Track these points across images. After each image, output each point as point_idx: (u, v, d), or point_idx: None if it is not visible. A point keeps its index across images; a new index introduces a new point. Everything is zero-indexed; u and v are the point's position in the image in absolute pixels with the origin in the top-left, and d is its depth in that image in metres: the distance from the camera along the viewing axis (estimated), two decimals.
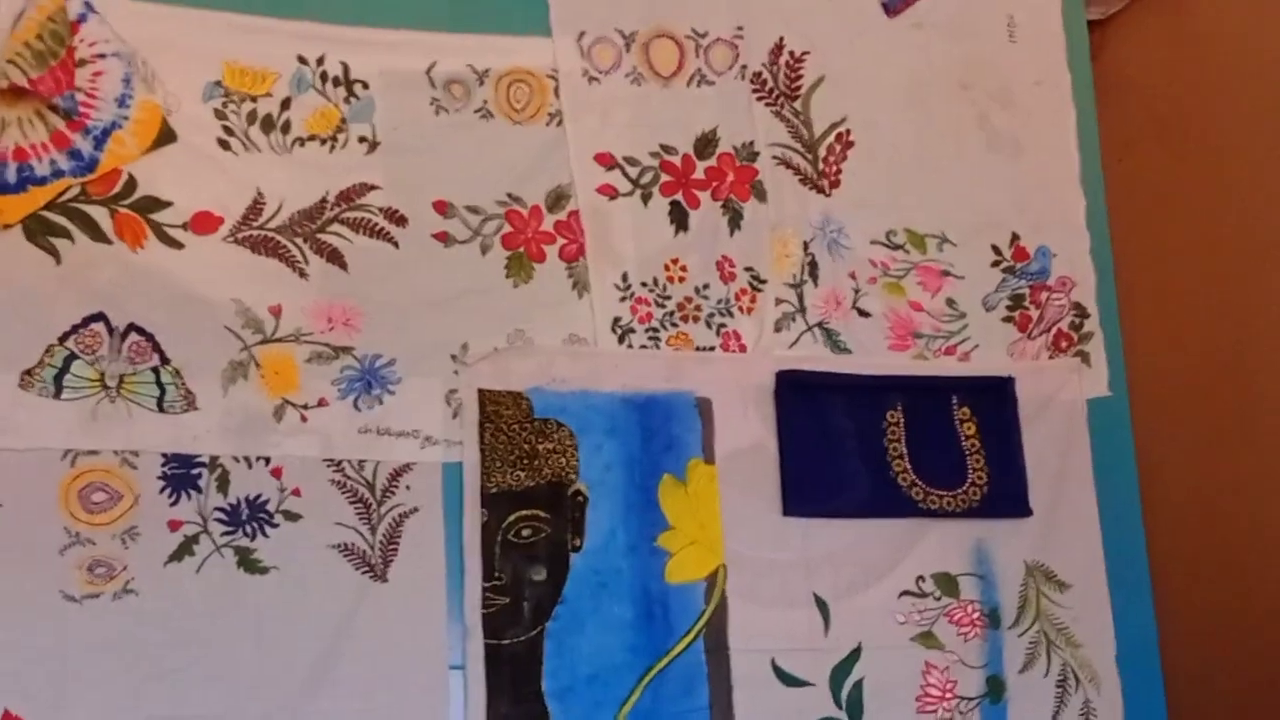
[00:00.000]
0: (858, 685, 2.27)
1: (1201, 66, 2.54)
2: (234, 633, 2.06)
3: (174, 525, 2.07)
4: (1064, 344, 2.51)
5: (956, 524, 2.36)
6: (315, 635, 2.10)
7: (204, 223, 2.14)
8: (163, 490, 2.07)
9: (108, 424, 2.06)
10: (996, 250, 2.48)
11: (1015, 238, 2.49)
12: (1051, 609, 2.38)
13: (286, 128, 2.22)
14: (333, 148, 2.23)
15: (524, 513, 2.21)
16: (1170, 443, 2.55)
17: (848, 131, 2.46)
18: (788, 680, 2.25)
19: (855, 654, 2.28)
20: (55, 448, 2.04)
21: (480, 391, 2.23)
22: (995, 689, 2.33)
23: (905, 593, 2.33)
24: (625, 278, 2.31)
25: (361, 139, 2.25)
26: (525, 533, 2.20)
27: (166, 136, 2.14)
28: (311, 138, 2.23)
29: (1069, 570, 2.40)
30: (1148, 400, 2.53)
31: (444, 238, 2.25)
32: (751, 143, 2.40)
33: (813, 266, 2.39)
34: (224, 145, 2.18)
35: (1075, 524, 2.42)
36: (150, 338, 2.11)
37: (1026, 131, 2.55)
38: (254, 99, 2.20)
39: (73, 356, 2.07)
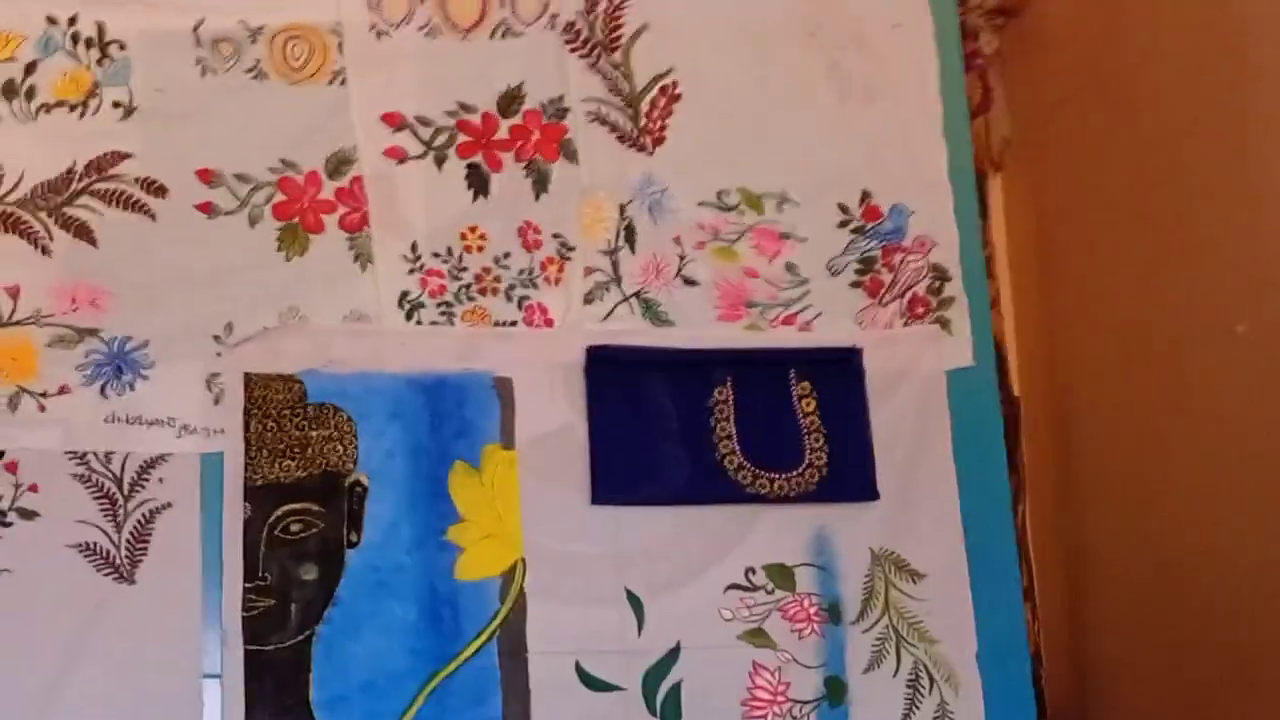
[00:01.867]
0: (675, 689, 2.14)
1: (1128, 18, 2.47)
2: None
3: None
4: (920, 310, 2.33)
5: (793, 510, 2.21)
6: (51, 644, 2.00)
7: None
8: None
9: None
10: (844, 209, 2.30)
11: (866, 195, 2.31)
12: (903, 601, 2.21)
13: (31, 93, 2.09)
14: (83, 114, 2.10)
15: (293, 506, 2.09)
16: (1097, 425, 2.53)
17: (674, 84, 2.28)
18: (594, 685, 2.13)
19: (673, 655, 2.15)
20: None
21: (246, 375, 2.12)
22: (835, 691, 2.17)
23: (732, 586, 2.18)
24: (415, 248, 2.17)
25: (116, 104, 2.11)
26: (294, 528, 2.09)
27: None
28: (59, 104, 2.10)
29: (923, 559, 2.24)
30: (1076, 371, 2.53)
31: (208, 209, 2.12)
32: (561, 98, 2.24)
33: (630, 232, 2.23)
34: None
35: (931, 508, 2.25)
36: None
37: (882, 79, 2.37)
38: None
39: None
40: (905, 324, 2.32)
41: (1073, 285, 2.58)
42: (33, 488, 2.02)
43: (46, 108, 2.09)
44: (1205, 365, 2.22)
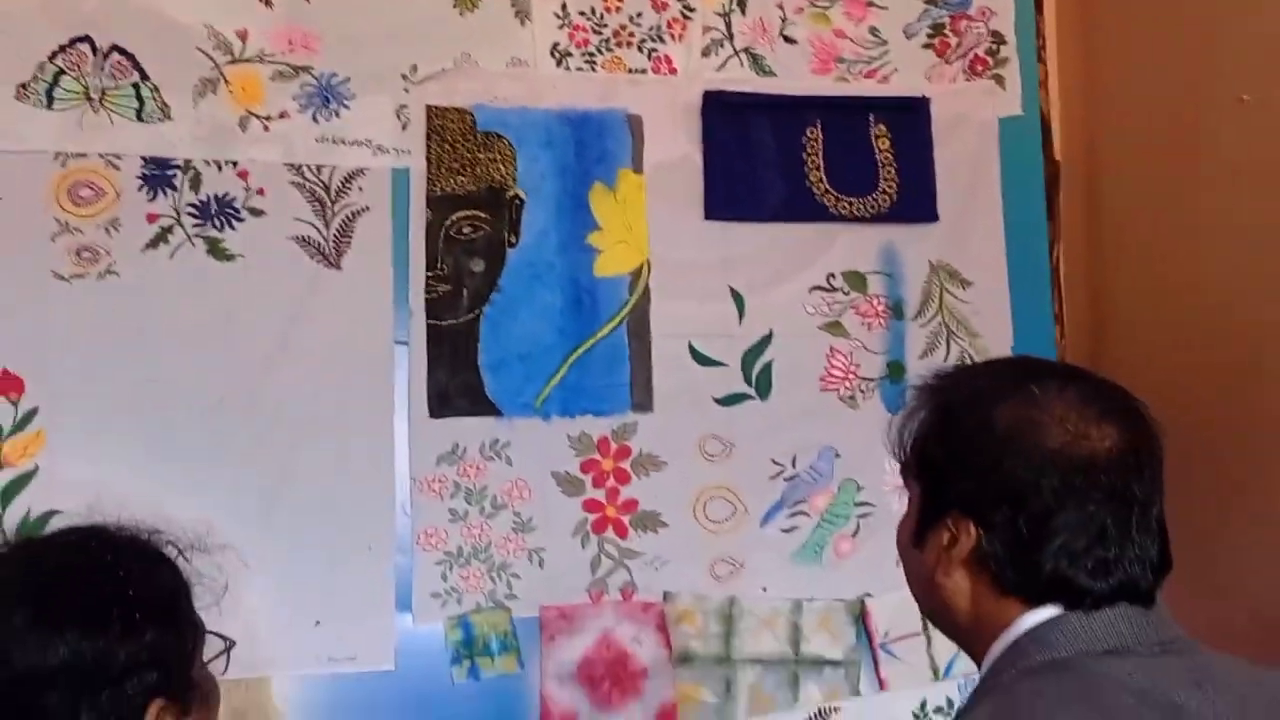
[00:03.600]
0: (767, 366, 2.49)
1: None
2: (203, 310, 2.29)
3: (151, 218, 2.28)
4: (980, 68, 2.64)
5: (867, 228, 2.55)
6: (276, 314, 2.31)
7: None
8: (141, 188, 2.28)
9: (93, 131, 2.27)
10: None
11: None
12: (953, 303, 2.57)
13: None
14: None
15: (465, 213, 2.40)
16: (1123, 184, 2.68)
17: None
18: (703, 361, 2.47)
19: (766, 340, 2.49)
20: (47, 150, 2.25)
21: (428, 107, 2.39)
22: (895, 371, 2.54)
23: (815, 288, 2.52)
24: (564, 7, 2.47)
25: None
26: (466, 230, 2.40)
27: None
28: None
29: (972, 270, 2.59)
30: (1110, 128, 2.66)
31: None
32: None
33: None
34: None
35: (981, 230, 2.60)
36: (131, 57, 2.29)
37: None
38: None
39: (61, 73, 2.26)
40: (967, 79, 2.64)
41: (1110, 64, 2.71)
42: (260, 191, 2.32)
43: None
44: (1215, 131, 2.36)
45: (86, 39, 2.29)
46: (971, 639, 1.32)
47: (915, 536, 1.37)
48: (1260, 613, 2.23)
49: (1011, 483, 1.25)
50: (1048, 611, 1.24)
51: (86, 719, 1.24)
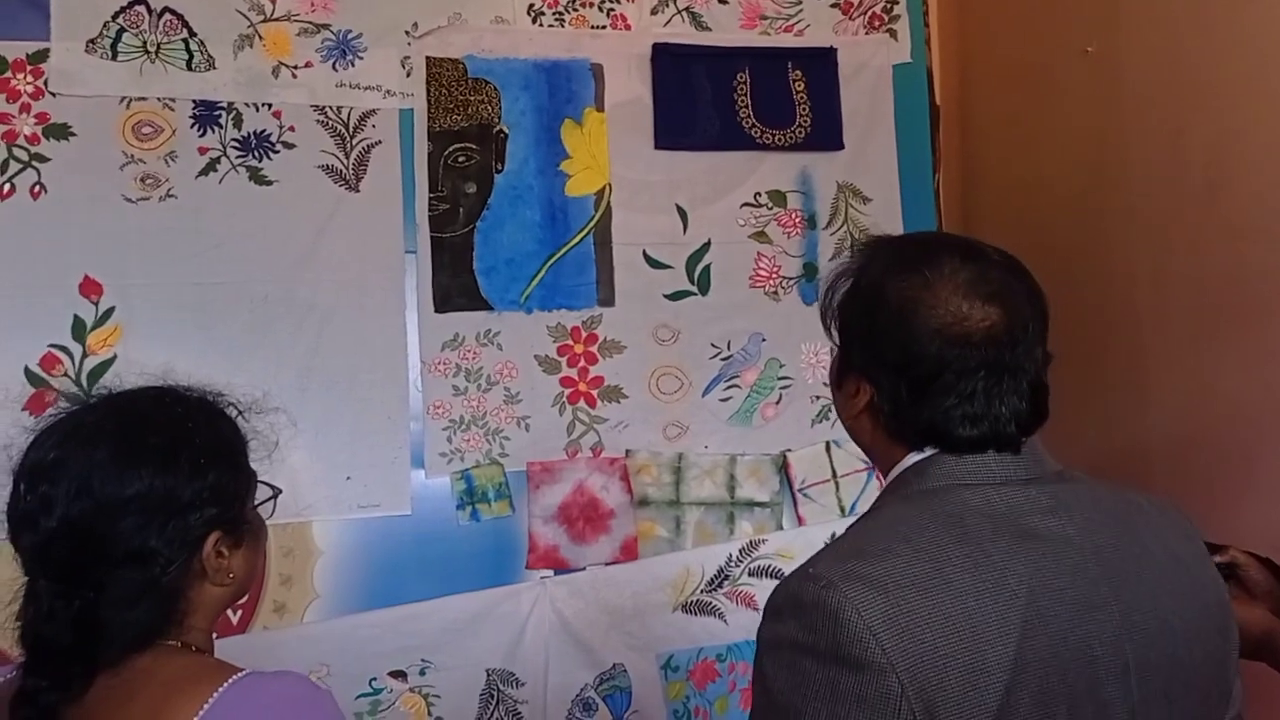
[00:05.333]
0: (706, 268, 2.80)
1: None
2: (247, 226, 2.55)
3: (202, 150, 2.54)
4: (877, 24, 2.98)
5: (787, 155, 2.86)
6: (307, 228, 2.58)
7: None
8: (193, 126, 2.55)
9: (151, 79, 2.54)
10: None
11: None
12: (856, 216, 2.91)
13: None
14: None
15: (459, 145, 2.68)
16: (989, 123, 2.95)
17: None
18: (654, 264, 2.78)
19: (706, 247, 2.80)
20: (114, 95, 2.52)
21: (427, 58, 2.68)
22: (810, 272, 2.87)
23: (745, 204, 2.84)
24: None
25: None
26: (460, 159, 2.67)
27: None
28: None
29: (871, 189, 2.91)
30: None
31: None
32: None
33: None
34: None
35: (878, 156, 2.92)
36: (180, 17, 2.58)
37: None
38: None
39: (123, 30, 2.54)
40: (866, 33, 2.96)
41: (979, 22, 2.98)
42: (291, 128, 2.60)
43: None
44: (1065, 77, 2.60)
45: (143, 1, 2.56)
46: (877, 466, 1.39)
47: (835, 381, 1.43)
48: (1112, 438, 2.48)
49: (897, 353, 1.29)
50: (928, 452, 1.29)
51: (155, 543, 1.29)
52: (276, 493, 1.46)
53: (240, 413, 1.44)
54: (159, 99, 2.54)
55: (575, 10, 2.81)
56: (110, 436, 1.31)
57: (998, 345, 1.26)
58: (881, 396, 1.32)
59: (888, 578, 1.16)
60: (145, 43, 2.55)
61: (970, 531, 1.21)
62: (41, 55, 2.50)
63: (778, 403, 2.81)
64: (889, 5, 2.98)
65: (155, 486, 1.29)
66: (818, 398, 2.83)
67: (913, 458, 1.30)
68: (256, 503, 1.44)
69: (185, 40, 2.58)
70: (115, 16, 2.55)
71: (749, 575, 2.70)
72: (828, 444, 2.82)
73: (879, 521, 1.28)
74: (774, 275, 2.85)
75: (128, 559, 1.28)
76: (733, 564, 2.71)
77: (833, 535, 2.41)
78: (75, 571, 1.27)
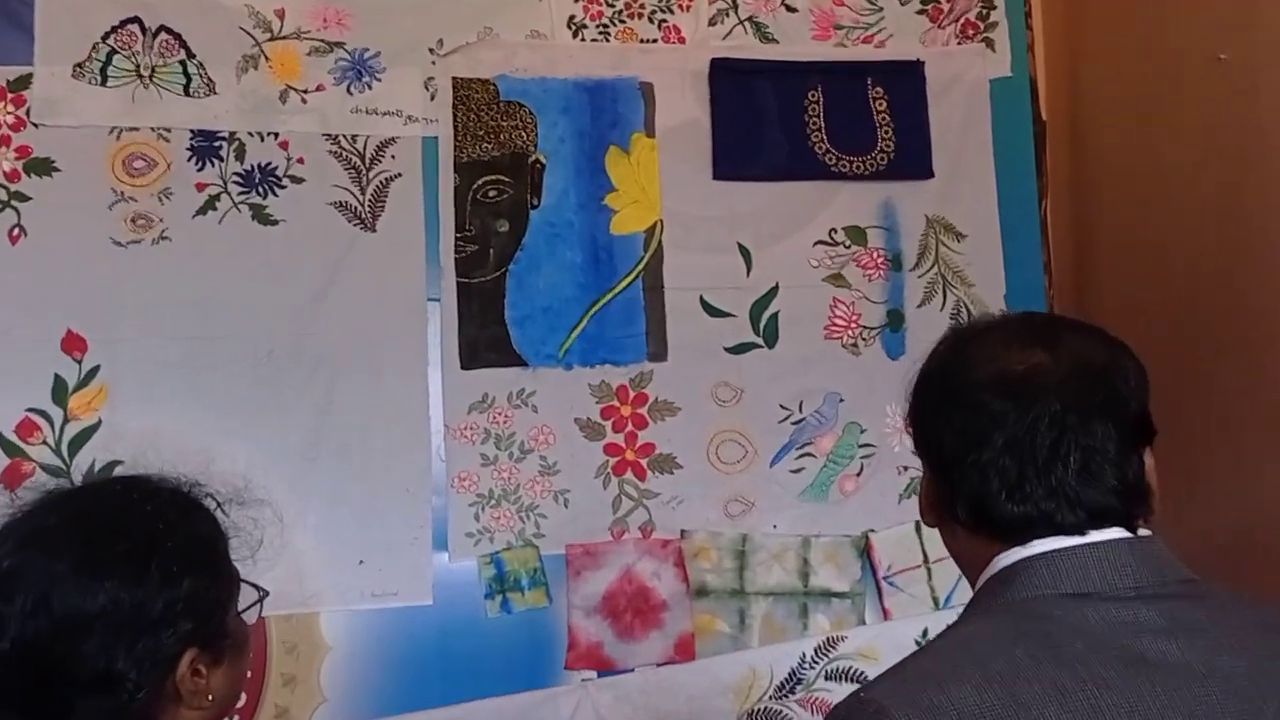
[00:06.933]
0: (774, 317, 2.57)
1: None
2: (249, 271, 2.39)
3: (200, 186, 2.39)
4: (971, 32, 2.73)
5: (866, 185, 2.63)
6: (317, 273, 2.42)
7: None
8: (190, 159, 2.39)
9: (144, 106, 2.38)
10: None
11: None
12: (948, 255, 2.66)
13: None
14: None
15: (490, 177, 2.50)
16: (1105, 140, 2.75)
17: None
18: (713, 312, 2.56)
19: (773, 291, 2.58)
20: (103, 125, 2.37)
21: (454, 79, 2.51)
22: (895, 320, 2.63)
23: (819, 242, 2.61)
24: None
25: None
26: (491, 193, 2.50)
27: None
28: None
29: (966, 222, 2.67)
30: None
31: None
32: None
33: None
34: None
35: (974, 184, 2.67)
36: (178, 36, 2.41)
37: None
38: None
39: (114, 52, 2.38)
40: (959, 43, 2.72)
41: (1092, 26, 2.77)
42: (299, 160, 2.42)
43: None
44: (1194, 89, 2.42)
45: (136, 20, 2.41)
46: (966, 577, 1.30)
47: (922, 496, 1.38)
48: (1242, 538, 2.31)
49: (942, 419, 1.25)
50: (1016, 554, 1.20)
51: (122, 666, 1.22)
52: (263, 595, 1.39)
53: (220, 505, 1.38)
54: (153, 129, 2.40)
55: (622, 22, 2.61)
56: (72, 543, 1.25)
57: (1043, 393, 1.18)
58: (943, 480, 1.25)
59: (950, 706, 1.06)
60: (139, 66, 2.41)
61: (1060, 655, 1.09)
62: (24, 81, 2.36)
63: (858, 474, 2.57)
64: (985, 10, 2.73)
65: (122, 601, 1.23)
66: (905, 468, 2.57)
67: (1000, 562, 1.20)
68: (240, 609, 1.37)
69: (183, 62, 2.43)
70: (106, 37, 2.40)
71: (825, 679, 2.47)
72: (918, 523, 2.53)
73: (953, 639, 1.18)
74: (853, 324, 2.62)
75: (91, 684, 1.21)
76: (806, 665, 2.48)
77: (924, 633, 2.44)
78: (33, 701, 1.21)
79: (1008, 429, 1.18)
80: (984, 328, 1.31)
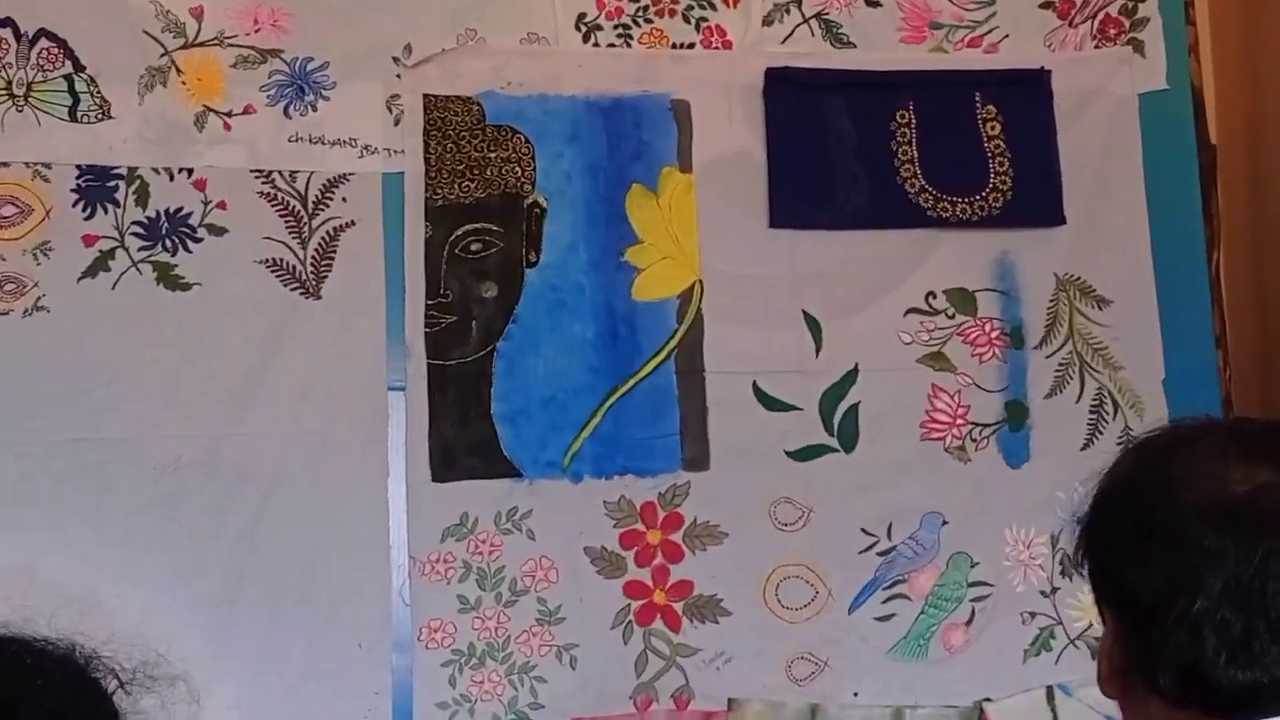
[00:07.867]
0: (852, 409, 2.31)
1: None
2: (153, 352, 2.17)
3: (89, 240, 2.16)
4: (1113, 31, 2.43)
5: (975, 234, 2.36)
6: (241, 354, 2.19)
7: None
8: (76, 204, 2.16)
9: (16, 134, 2.17)
10: None
11: None
12: (1087, 327, 2.36)
13: None
14: None
15: (473, 226, 2.26)
16: None
17: None
18: (771, 404, 2.29)
19: (851, 376, 2.31)
20: None
21: (425, 96, 2.27)
22: (1016, 415, 2.34)
23: (911, 310, 2.34)
24: None
25: None
26: (475, 247, 2.26)
27: None
28: None
29: (1110, 284, 2.38)
30: None
31: None
32: None
33: None
34: None
35: (1120, 233, 2.39)
36: (62, 43, 2.18)
37: None
38: None
39: None
40: (1096, 46, 2.42)
41: (1276, 24, 2.55)
42: (220, 204, 2.17)
43: None
44: None
45: (8, 22, 2.19)
46: None
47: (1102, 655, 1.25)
48: None
49: (1133, 549, 1.15)
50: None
51: None
52: None
53: (122, 684, 1.14)
54: (27, 164, 2.17)
55: (648, 21, 2.33)
56: None
57: (1273, 524, 1.05)
58: (1136, 638, 1.12)
59: None
60: (10, 83, 2.18)
61: None
62: None
63: (968, 623, 2.31)
64: (1130, 3, 2.42)
65: None
66: (1033, 615, 2.31)
67: None
68: None
69: (68, 77, 2.19)
70: None
71: None
72: (1050, 690, 2.29)
73: None
74: (959, 420, 2.32)
75: None
76: None
77: None
78: None
79: (1227, 570, 1.08)
80: (1188, 435, 1.21)
